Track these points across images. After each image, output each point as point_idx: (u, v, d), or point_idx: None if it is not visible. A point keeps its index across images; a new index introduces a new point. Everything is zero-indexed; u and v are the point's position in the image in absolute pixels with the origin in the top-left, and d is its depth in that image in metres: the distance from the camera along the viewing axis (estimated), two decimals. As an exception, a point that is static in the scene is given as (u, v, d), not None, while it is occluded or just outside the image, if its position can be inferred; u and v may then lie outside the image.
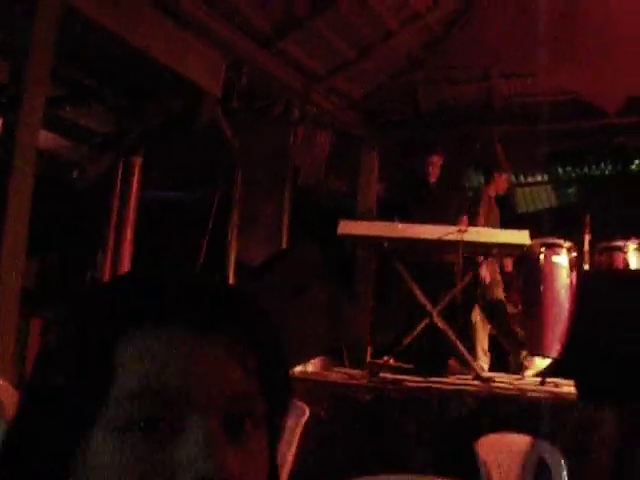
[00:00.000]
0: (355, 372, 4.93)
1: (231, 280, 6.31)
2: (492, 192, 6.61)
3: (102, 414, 0.63)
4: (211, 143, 6.59)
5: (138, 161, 5.98)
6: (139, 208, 6.03)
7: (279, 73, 6.56)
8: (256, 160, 7.05)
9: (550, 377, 4.83)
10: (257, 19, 6.04)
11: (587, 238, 5.49)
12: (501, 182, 6.78)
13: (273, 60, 6.41)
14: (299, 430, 3.17)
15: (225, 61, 5.88)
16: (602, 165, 9.10)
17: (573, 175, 9.41)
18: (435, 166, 5.87)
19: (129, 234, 5.93)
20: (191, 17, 5.38)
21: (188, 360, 0.64)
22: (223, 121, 6.50)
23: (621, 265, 5.24)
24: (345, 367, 5.24)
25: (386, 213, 6.56)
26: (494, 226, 5.81)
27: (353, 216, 7.76)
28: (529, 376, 5.39)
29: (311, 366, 4.79)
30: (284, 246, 6.96)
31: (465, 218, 5.68)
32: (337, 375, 4.86)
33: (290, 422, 3.23)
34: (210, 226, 6.32)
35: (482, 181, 7.21)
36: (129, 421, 0.62)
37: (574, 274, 5.09)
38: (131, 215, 5.96)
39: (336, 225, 4.97)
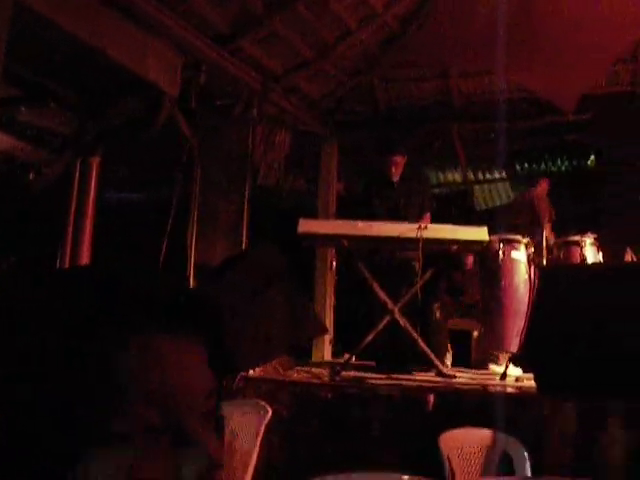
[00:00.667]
0: (317, 371, 4.92)
1: (191, 281, 6.26)
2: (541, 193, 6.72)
3: None
4: (169, 143, 6.53)
5: (96, 162, 5.89)
6: (98, 209, 5.94)
7: (237, 72, 6.53)
8: (215, 160, 7.01)
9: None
10: (214, 18, 6.00)
11: (545, 234, 5.57)
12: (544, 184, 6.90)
13: (231, 59, 6.38)
14: (262, 430, 3.16)
15: (182, 60, 5.83)
16: (558, 162, 9.23)
17: (530, 172, 9.53)
18: (398, 165, 5.88)
19: (88, 236, 5.84)
20: (148, 16, 5.32)
21: None
22: (181, 121, 6.44)
23: (578, 260, 5.32)
24: (307, 366, 5.23)
25: (346, 211, 6.57)
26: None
27: (313, 215, 7.77)
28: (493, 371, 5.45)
29: (272, 366, 4.77)
30: (244, 246, 6.93)
31: (428, 215, 5.69)
32: (299, 374, 4.84)
33: (253, 422, 3.21)
34: (169, 226, 6.25)
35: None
36: None
37: (532, 269, 5.15)
38: (89, 217, 5.87)
39: (296, 224, 4.96)
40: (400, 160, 5.88)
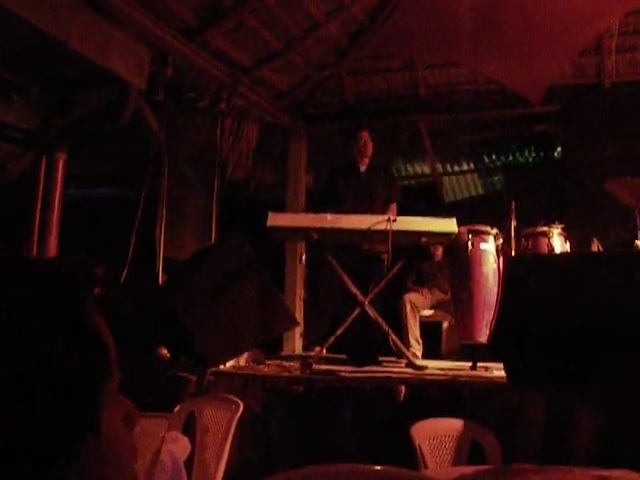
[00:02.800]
0: (288, 364, 4.92)
1: (160, 276, 6.21)
2: None
3: None
4: (137, 137, 6.47)
5: (62, 157, 5.81)
6: (64, 205, 5.86)
7: (205, 65, 6.49)
8: (183, 153, 6.97)
9: (481, 362, 4.92)
10: (181, 10, 5.95)
11: (513, 224, 5.61)
12: None
13: (199, 52, 6.33)
14: (233, 425, 3.15)
15: (149, 53, 5.77)
16: (526, 153, 9.32)
17: (498, 163, 9.60)
18: (367, 141, 5.79)
19: (54, 233, 5.76)
20: (113, 8, 5.26)
21: None
22: (149, 114, 6.38)
23: (545, 250, 5.37)
24: (278, 360, 5.23)
25: (316, 203, 6.55)
26: None
27: (282, 208, 7.75)
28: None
29: (243, 360, 4.76)
30: (213, 239, 6.90)
31: (394, 206, 5.68)
32: (270, 368, 4.83)
33: (224, 417, 3.20)
34: (137, 221, 6.20)
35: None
36: None
37: (501, 260, 5.19)
38: (55, 213, 5.79)
39: (265, 217, 4.95)
40: (366, 136, 5.80)
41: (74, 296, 0.86)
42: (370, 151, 5.82)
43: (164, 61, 6.13)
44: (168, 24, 5.89)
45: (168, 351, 4.69)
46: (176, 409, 3.38)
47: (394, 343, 5.16)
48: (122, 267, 6.01)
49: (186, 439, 2.97)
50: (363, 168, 5.82)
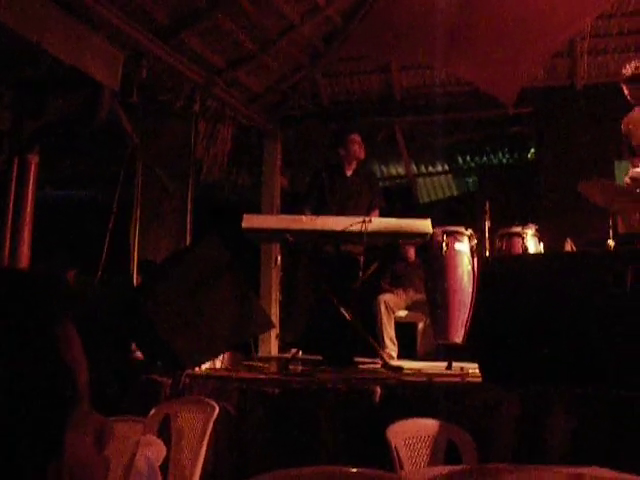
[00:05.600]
0: (264, 366, 4.91)
1: (135, 278, 6.17)
2: None
3: None
4: (110, 138, 6.42)
5: (34, 159, 5.75)
6: (37, 208, 5.80)
7: (179, 66, 6.46)
8: (157, 155, 6.93)
9: (456, 362, 4.94)
10: (156, 11, 5.92)
11: (487, 225, 5.64)
12: None
13: (173, 53, 6.31)
14: (209, 427, 3.13)
15: (123, 54, 5.73)
16: (499, 154, 9.39)
17: (472, 164, 9.67)
18: (360, 144, 5.73)
19: (26, 236, 5.69)
20: (86, 9, 5.22)
21: None
22: (122, 115, 6.34)
23: (519, 250, 5.40)
24: (254, 362, 5.21)
25: (291, 205, 6.53)
26: None
27: (258, 209, 7.74)
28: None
29: (219, 362, 4.74)
30: (188, 242, 6.87)
31: (376, 213, 5.61)
32: (246, 370, 4.82)
33: (200, 420, 3.19)
34: (111, 223, 6.15)
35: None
36: None
37: (476, 260, 5.21)
38: (28, 216, 5.73)
39: (241, 219, 4.93)
40: (358, 138, 5.74)
41: (45, 318, 0.85)
42: (363, 155, 5.78)
43: (138, 62, 6.10)
44: (142, 25, 5.86)
45: (143, 354, 4.67)
46: (151, 412, 3.35)
47: (370, 344, 5.16)
48: (96, 269, 5.96)
49: (161, 442, 2.95)
50: (349, 172, 5.78)
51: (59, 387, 0.85)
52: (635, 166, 4.63)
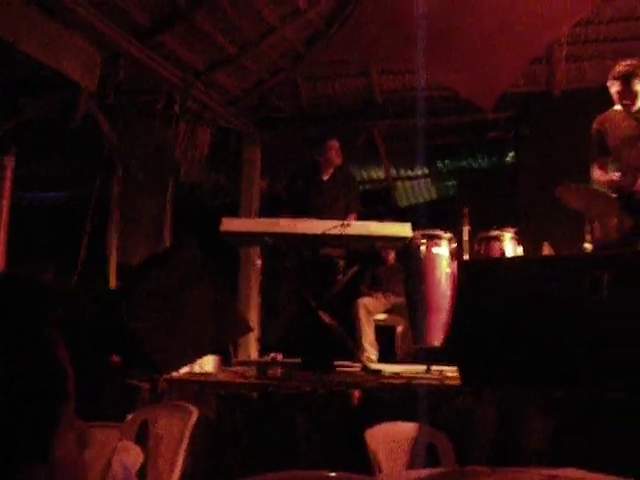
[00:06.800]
0: (243, 370, 4.88)
1: (112, 280, 6.12)
2: None
3: None
4: (88, 139, 6.38)
5: (10, 160, 5.70)
6: (13, 210, 5.74)
7: (158, 68, 6.42)
8: (136, 157, 6.88)
9: (435, 365, 4.95)
10: (135, 12, 5.89)
11: (466, 229, 5.66)
12: None
13: (152, 54, 6.27)
14: (188, 432, 3.11)
15: (101, 55, 5.69)
16: (479, 158, 9.42)
17: (451, 168, 9.70)
18: (337, 150, 5.73)
19: (2, 237, 5.64)
20: (64, 9, 5.17)
21: None
22: (100, 117, 6.30)
23: (498, 254, 5.43)
24: (233, 366, 5.18)
25: (270, 209, 6.51)
26: None
27: (237, 213, 7.72)
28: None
29: (198, 366, 4.71)
30: (167, 244, 6.83)
31: (353, 217, 5.60)
32: (224, 374, 4.79)
33: (178, 425, 3.16)
34: (88, 226, 6.10)
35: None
36: None
37: (455, 264, 5.23)
38: (4, 217, 5.67)
39: (220, 222, 4.91)
40: (336, 144, 5.74)
41: (33, 320, 0.85)
42: (340, 161, 5.77)
43: (116, 63, 6.06)
44: (121, 26, 5.82)
45: (120, 358, 4.62)
46: (128, 418, 3.32)
47: (349, 347, 5.16)
48: (73, 272, 5.91)
49: (138, 448, 2.92)
50: (326, 177, 5.77)
51: (55, 386, 0.85)
52: (599, 166, 4.64)
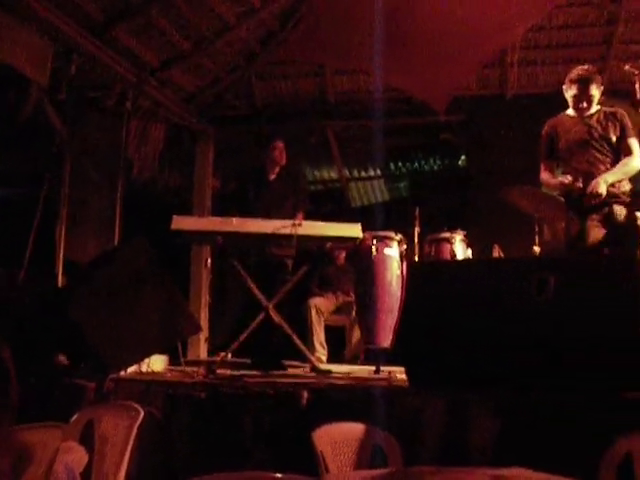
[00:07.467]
0: (191, 370, 4.85)
1: (60, 278, 6.02)
2: None
3: None
4: (37, 135, 6.26)
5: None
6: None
7: (111, 63, 6.34)
8: (87, 153, 6.78)
9: (384, 366, 4.98)
10: (88, 5, 5.80)
11: (417, 230, 5.71)
12: None
13: (104, 49, 6.18)
14: (133, 432, 3.07)
15: (53, 49, 5.59)
16: (431, 160, 9.52)
17: (404, 170, 9.77)
18: (281, 151, 5.73)
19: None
20: (15, 1, 5.08)
21: None
22: (51, 111, 6.18)
23: (448, 256, 5.48)
24: (181, 365, 5.14)
25: (223, 207, 6.47)
26: None
27: (189, 211, 7.66)
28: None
29: (145, 366, 4.67)
30: (117, 242, 6.74)
31: (301, 215, 5.61)
32: (172, 374, 4.75)
33: (124, 425, 3.12)
34: (36, 223, 5.99)
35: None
36: None
37: (405, 265, 5.26)
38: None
39: (171, 220, 4.86)
40: (281, 144, 5.75)
41: None
42: (284, 162, 5.78)
43: (68, 58, 5.96)
44: (73, 19, 5.73)
45: (67, 357, 4.55)
46: (73, 418, 3.28)
47: (298, 347, 5.16)
48: (19, 269, 5.80)
49: (82, 449, 2.88)
50: (273, 176, 5.77)
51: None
52: (547, 168, 4.72)
